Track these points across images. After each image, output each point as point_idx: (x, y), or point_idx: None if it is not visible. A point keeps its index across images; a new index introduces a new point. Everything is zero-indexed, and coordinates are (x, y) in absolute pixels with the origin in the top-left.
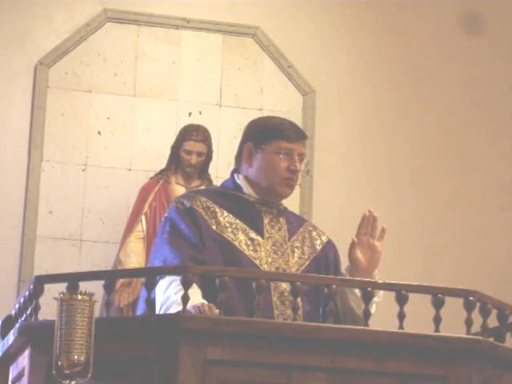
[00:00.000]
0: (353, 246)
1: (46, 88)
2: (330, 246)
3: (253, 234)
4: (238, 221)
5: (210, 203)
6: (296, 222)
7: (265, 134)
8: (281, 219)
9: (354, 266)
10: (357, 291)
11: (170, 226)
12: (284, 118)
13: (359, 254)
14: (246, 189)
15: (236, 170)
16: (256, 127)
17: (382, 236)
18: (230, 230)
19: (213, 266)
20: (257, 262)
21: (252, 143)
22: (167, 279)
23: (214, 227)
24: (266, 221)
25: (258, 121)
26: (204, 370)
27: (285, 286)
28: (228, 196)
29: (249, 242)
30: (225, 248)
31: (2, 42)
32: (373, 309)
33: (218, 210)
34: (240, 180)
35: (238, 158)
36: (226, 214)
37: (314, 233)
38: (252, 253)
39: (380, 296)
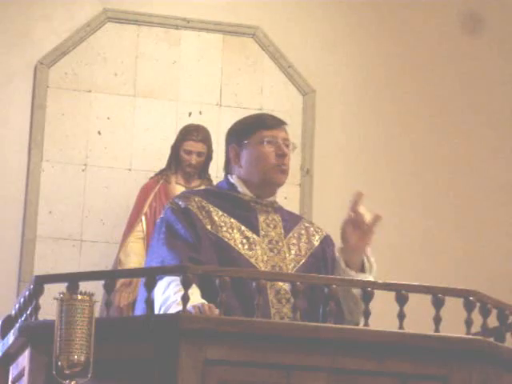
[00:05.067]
0: (347, 222)
1: (46, 88)
2: (327, 240)
3: (248, 233)
4: (232, 220)
5: (204, 203)
6: (292, 220)
7: (245, 130)
8: (276, 217)
9: (345, 243)
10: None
11: (165, 227)
12: (260, 112)
13: (351, 231)
14: (241, 187)
15: (228, 173)
16: (234, 128)
17: (376, 220)
18: (224, 229)
19: (213, 265)
20: (252, 260)
21: (235, 143)
22: (165, 280)
23: (208, 227)
24: (261, 219)
25: (236, 122)
26: (204, 369)
27: (281, 284)
28: (222, 195)
29: (244, 241)
30: (220, 247)
31: (2, 42)
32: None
33: (212, 209)
34: (234, 180)
35: (227, 162)
36: (220, 213)
37: (312, 229)
38: (247, 251)
39: (374, 271)
